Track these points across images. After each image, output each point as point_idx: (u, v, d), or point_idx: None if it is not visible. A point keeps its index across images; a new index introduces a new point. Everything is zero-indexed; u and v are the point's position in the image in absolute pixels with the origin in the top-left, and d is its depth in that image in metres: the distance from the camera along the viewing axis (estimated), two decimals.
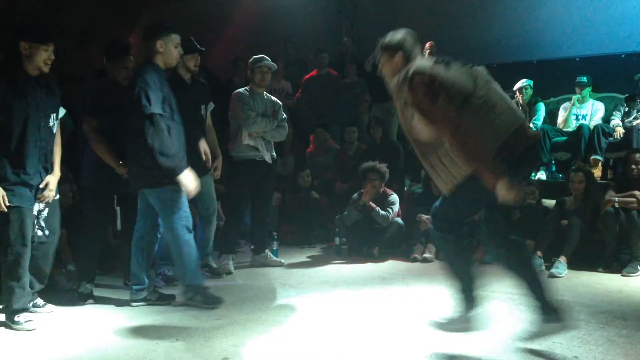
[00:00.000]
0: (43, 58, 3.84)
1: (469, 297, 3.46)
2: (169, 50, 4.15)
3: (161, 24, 4.26)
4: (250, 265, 5.75)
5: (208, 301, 4.21)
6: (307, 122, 8.17)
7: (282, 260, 5.81)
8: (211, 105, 5.26)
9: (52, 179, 4.04)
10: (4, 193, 3.71)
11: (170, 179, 4.00)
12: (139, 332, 3.75)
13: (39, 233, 3.99)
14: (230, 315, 4.02)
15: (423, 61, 3.14)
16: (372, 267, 5.65)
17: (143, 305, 4.29)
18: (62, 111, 4.19)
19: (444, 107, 2.93)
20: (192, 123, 4.75)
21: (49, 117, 3.98)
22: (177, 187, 4.04)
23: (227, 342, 3.48)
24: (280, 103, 5.72)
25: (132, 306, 4.26)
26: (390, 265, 5.78)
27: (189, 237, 4.12)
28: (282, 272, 5.48)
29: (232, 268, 5.45)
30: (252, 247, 5.87)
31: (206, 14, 9.92)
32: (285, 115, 5.66)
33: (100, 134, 4.41)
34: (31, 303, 4.10)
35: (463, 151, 2.93)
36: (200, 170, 5.02)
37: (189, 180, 4.05)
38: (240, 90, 5.49)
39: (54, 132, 4.04)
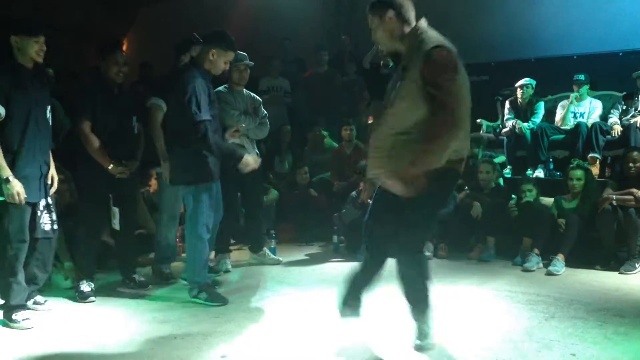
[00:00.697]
0: (35, 50, 3.87)
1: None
2: (218, 63, 4.27)
3: (224, 36, 4.35)
4: (247, 263, 5.75)
5: (213, 299, 4.26)
6: (306, 120, 8.16)
7: (280, 258, 5.81)
8: None
9: (54, 172, 4.12)
10: (21, 187, 3.71)
11: (233, 165, 4.32)
12: (137, 330, 3.74)
13: (47, 227, 4.01)
14: (228, 314, 4.02)
15: (435, 34, 2.87)
16: None
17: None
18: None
19: (458, 89, 2.75)
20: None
21: (46, 109, 4.01)
22: (209, 187, 4.26)
23: (225, 340, 3.48)
24: (261, 100, 5.67)
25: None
26: (388, 262, 5.76)
27: (206, 237, 4.29)
28: (280, 270, 5.48)
29: (229, 266, 5.45)
30: (249, 245, 5.86)
31: (204, 12, 9.91)
32: (266, 112, 5.64)
33: (95, 133, 4.39)
34: (32, 300, 4.11)
35: (428, 147, 2.77)
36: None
37: (250, 159, 4.32)
38: (220, 88, 5.40)
39: (50, 124, 4.06)
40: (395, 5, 2.89)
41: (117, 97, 4.53)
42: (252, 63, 5.51)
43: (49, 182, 4.07)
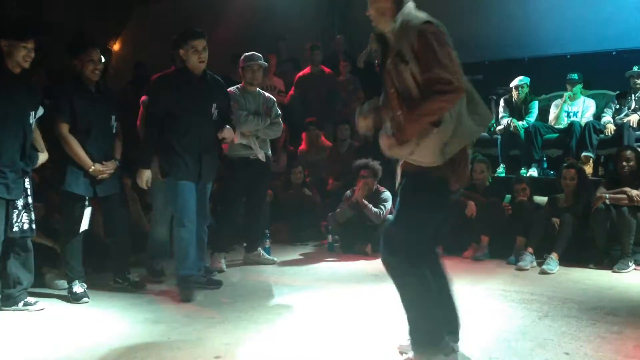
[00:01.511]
0: (22, 54, 3.88)
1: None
2: (189, 58, 4.43)
3: (183, 32, 4.48)
4: (242, 263, 5.74)
5: (182, 293, 4.40)
6: (300, 119, 8.15)
7: (275, 258, 5.80)
8: None
9: (42, 156, 4.27)
10: None
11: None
12: (131, 331, 3.73)
13: (25, 227, 4.04)
14: (222, 313, 4.02)
15: (424, 14, 2.81)
16: (364, 265, 5.66)
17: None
18: (41, 110, 4.20)
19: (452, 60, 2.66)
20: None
21: (29, 114, 4.02)
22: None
23: (219, 341, 3.47)
24: (275, 99, 5.70)
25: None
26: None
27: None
28: (275, 270, 5.48)
29: (224, 266, 5.44)
30: (245, 245, 5.86)
31: (198, 12, 9.87)
32: (279, 112, 5.65)
33: (74, 133, 4.37)
34: (21, 302, 4.10)
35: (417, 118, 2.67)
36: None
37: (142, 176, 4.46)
38: (232, 89, 5.46)
39: (33, 129, 4.09)
40: None
41: (95, 96, 4.48)
42: (266, 64, 5.59)
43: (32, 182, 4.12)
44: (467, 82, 2.78)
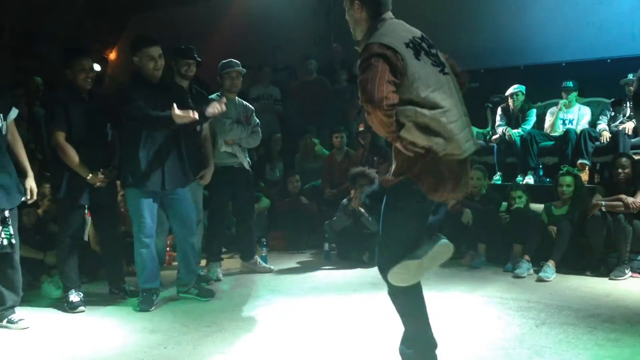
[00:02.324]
0: None
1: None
2: (143, 64, 4.38)
3: (135, 39, 4.47)
4: (239, 272, 5.73)
5: (140, 304, 4.42)
6: (297, 128, 8.16)
7: (272, 267, 5.79)
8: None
9: (29, 182, 4.09)
10: None
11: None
12: (127, 340, 3.72)
13: (5, 242, 3.83)
14: (219, 322, 4.00)
15: (389, 30, 2.72)
16: (361, 273, 5.65)
17: (140, 311, 4.33)
18: (14, 112, 4.12)
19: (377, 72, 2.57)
20: (184, 131, 4.85)
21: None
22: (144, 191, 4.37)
23: (215, 350, 3.46)
24: (253, 108, 5.69)
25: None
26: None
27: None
28: (272, 279, 5.46)
29: (220, 275, 5.43)
30: (240, 253, 5.85)
31: (194, 21, 9.91)
32: (258, 121, 5.64)
33: (70, 142, 4.36)
34: (5, 320, 3.99)
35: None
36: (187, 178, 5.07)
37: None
38: (212, 96, 5.43)
39: (4, 132, 3.97)
40: None
41: (88, 105, 4.48)
42: (244, 70, 5.53)
43: (27, 193, 4.05)
44: (450, 99, 2.71)
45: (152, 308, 4.38)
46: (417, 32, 2.83)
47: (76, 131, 4.38)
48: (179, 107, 4.16)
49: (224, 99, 4.48)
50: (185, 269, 4.64)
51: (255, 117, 5.61)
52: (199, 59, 5.11)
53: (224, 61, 5.47)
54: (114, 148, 4.68)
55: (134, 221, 4.42)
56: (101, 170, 4.45)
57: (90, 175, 4.38)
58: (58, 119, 4.36)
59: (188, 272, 4.64)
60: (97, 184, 4.42)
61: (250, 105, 5.69)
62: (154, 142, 4.33)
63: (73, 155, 4.34)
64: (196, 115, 4.14)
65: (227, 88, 5.42)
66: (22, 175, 4.12)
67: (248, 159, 5.59)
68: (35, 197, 4.17)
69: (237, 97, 5.56)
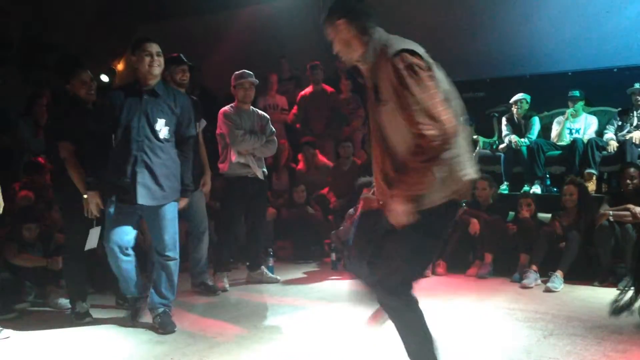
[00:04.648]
0: None
1: None
2: (139, 64, 4.05)
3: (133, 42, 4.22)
4: (245, 282, 5.73)
5: (128, 315, 4.34)
6: (302, 138, 8.18)
7: (278, 277, 5.79)
8: (203, 123, 5.28)
9: None
10: None
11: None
12: (133, 351, 3.72)
13: None
14: (226, 333, 4.00)
15: (396, 38, 2.55)
16: None
17: (143, 322, 4.26)
18: None
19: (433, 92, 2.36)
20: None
21: None
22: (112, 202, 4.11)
23: None
24: (268, 117, 5.72)
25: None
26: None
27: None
28: (278, 289, 5.46)
29: (227, 285, 5.42)
30: (248, 263, 5.85)
31: (201, 32, 9.97)
32: (274, 129, 5.66)
33: (76, 157, 4.30)
34: None
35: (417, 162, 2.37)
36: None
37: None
38: (226, 108, 5.48)
39: None
40: (349, 14, 2.59)
41: (90, 118, 4.34)
42: (257, 81, 5.57)
43: None
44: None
45: (142, 319, 4.25)
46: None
47: (82, 144, 4.31)
48: (167, 120, 4.06)
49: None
50: (153, 290, 4.18)
51: (271, 126, 5.63)
52: (191, 63, 5.09)
53: (237, 72, 5.52)
54: None
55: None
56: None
57: (86, 195, 4.19)
58: (60, 131, 4.34)
59: (155, 296, 4.17)
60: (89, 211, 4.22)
61: (266, 115, 5.70)
62: (125, 152, 3.98)
63: (74, 171, 4.28)
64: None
65: (241, 99, 5.47)
66: None
67: (264, 169, 5.60)
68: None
69: (252, 107, 5.59)
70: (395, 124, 2.45)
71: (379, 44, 2.54)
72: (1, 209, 4.04)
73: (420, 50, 2.48)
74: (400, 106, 2.40)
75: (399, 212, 2.42)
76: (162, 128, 4.04)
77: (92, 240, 4.38)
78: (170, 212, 4.13)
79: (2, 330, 4.05)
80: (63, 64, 4.57)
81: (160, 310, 4.13)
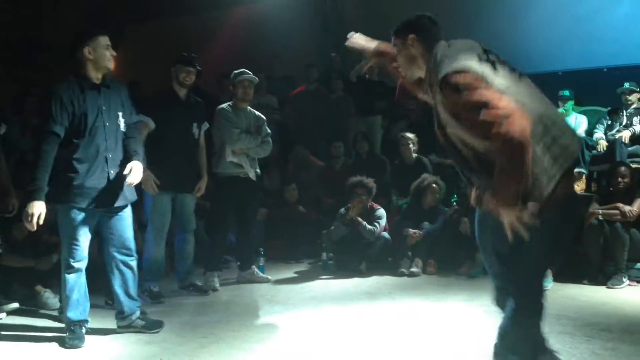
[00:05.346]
0: None
1: None
2: (98, 55, 3.76)
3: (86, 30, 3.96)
4: (236, 281, 5.71)
5: (67, 339, 3.82)
6: (294, 137, 8.18)
7: (269, 277, 5.78)
8: (205, 125, 5.28)
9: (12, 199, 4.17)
10: None
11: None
12: (122, 351, 3.70)
13: None
14: (216, 333, 3.98)
15: (457, 54, 2.45)
16: (359, 282, 5.64)
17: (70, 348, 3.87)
18: (2, 128, 4.25)
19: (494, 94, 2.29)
20: (180, 139, 4.96)
21: None
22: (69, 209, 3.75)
23: None
24: (265, 118, 5.70)
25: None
26: (377, 280, 5.77)
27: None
28: (269, 288, 5.45)
29: (217, 285, 5.40)
30: (238, 263, 5.84)
31: (192, 31, 9.94)
32: (269, 131, 5.65)
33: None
34: None
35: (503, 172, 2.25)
36: (184, 187, 5.04)
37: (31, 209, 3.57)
38: (224, 106, 5.48)
39: None
40: (418, 30, 2.61)
41: None
42: (257, 79, 5.55)
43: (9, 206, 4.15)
44: (540, 104, 2.45)
45: (83, 344, 3.78)
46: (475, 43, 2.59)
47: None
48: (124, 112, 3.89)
49: None
50: (124, 296, 3.98)
51: (266, 127, 5.62)
52: (200, 69, 5.12)
53: (236, 71, 5.51)
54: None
55: (63, 243, 3.82)
56: None
57: None
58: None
59: (129, 300, 4.00)
60: None
61: (262, 116, 5.69)
62: (88, 151, 3.74)
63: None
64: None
65: (240, 97, 5.45)
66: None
67: (257, 170, 5.58)
68: (15, 211, 4.23)
69: (249, 107, 5.58)
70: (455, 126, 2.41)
71: (431, 64, 2.50)
72: (16, 208, 4.16)
73: (469, 59, 2.40)
74: (466, 127, 2.36)
75: (512, 219, 2.27)
76: (120, 121, 3.90)
77: None
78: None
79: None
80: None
81: (139, 312, 4.05)
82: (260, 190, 5.97)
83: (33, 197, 3.55)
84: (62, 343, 3.81)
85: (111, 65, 3.82)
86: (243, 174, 5.42)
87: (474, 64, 2.39)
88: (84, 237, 3.79)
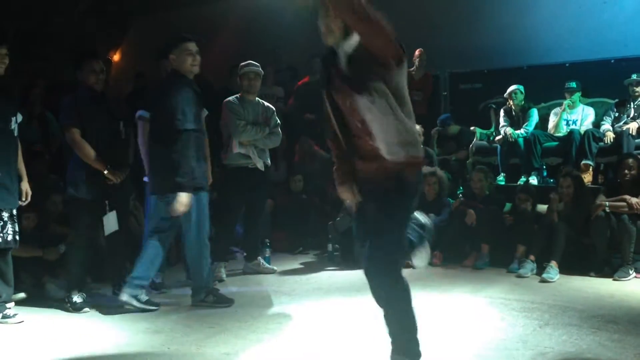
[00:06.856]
0: None
1: None
2: (182, 61, 4.33)
3: (172, 37, 4.43)
4: (242, 272, 5.73)
5: (220, 300, 4.45)
6: (300, 128, 8.16)
7: (275, 267, 5.79)
8: (204, 112, 5.26)
9: (25, 185, 4.23)
10: None
11: (173, 191, 4.15)
12: (131, 340, 3.72)
13: (9, 238, 4.07)
14: (222, 323, 4.00)
15: None
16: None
17: (135, 312, 4.25)
18: (19, 116, 4.28)
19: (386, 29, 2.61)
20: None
21: (10, 120, 4.08)
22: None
23: (218, 351, 3.46)
24: (274, 109, 5.70)
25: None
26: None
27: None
28: (275, 279, 5.46)
29: (224, 275, 5.43)
30: (245, 254, 5.85)
31: (196, 23, 9.92)
32: (278, 121, 5.65)
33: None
34: (0, 314, 4.08)
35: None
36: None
37: (183, 201, 4.15)
38: (231, 98, 5.48)
39: (16, 134, 4.16)
40: None
41: (100, 104, 4.52)
42: (262, 71, 5.55)
43: (22, 195, 4.19)
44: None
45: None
46: None
47: (90, 130, 4.42)
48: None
49: None
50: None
51: (276, 118, 5.61)
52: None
53: (243, 63, 5.52)
54: (128, 145, 4.76)
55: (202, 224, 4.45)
56: (109, 167, 4.45)
57: (107, 170, 4.41)
58: (71, 116, 4.41)
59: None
60: (113, 179, 4.45)
61: (272, 106, 5.68)
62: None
63: (89, 150, 4.38)
64: None
65: (246, 89, 5.45)
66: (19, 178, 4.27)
67: (267, 161, 5.58)
68: (29, 199, 4.32)
69: (257, 98, 5.57)
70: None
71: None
72: (29, 197, 4.26)
73: None
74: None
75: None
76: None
77: (111, 224, 4.48)
78: None
79: (16, 314, 4.15)
80: (76, 51, 4.70)
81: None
82: (268, 182, 5.97)
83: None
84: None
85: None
86: (251, 164, 5.42)
87: None
88: None
